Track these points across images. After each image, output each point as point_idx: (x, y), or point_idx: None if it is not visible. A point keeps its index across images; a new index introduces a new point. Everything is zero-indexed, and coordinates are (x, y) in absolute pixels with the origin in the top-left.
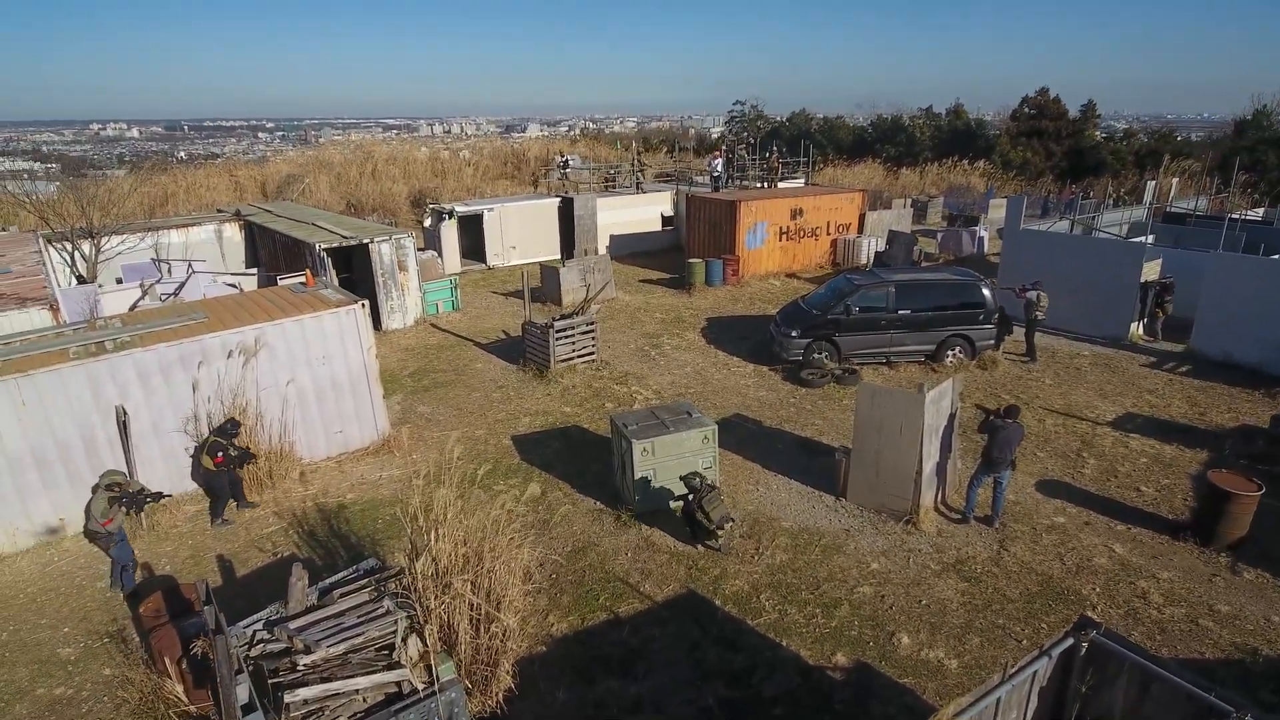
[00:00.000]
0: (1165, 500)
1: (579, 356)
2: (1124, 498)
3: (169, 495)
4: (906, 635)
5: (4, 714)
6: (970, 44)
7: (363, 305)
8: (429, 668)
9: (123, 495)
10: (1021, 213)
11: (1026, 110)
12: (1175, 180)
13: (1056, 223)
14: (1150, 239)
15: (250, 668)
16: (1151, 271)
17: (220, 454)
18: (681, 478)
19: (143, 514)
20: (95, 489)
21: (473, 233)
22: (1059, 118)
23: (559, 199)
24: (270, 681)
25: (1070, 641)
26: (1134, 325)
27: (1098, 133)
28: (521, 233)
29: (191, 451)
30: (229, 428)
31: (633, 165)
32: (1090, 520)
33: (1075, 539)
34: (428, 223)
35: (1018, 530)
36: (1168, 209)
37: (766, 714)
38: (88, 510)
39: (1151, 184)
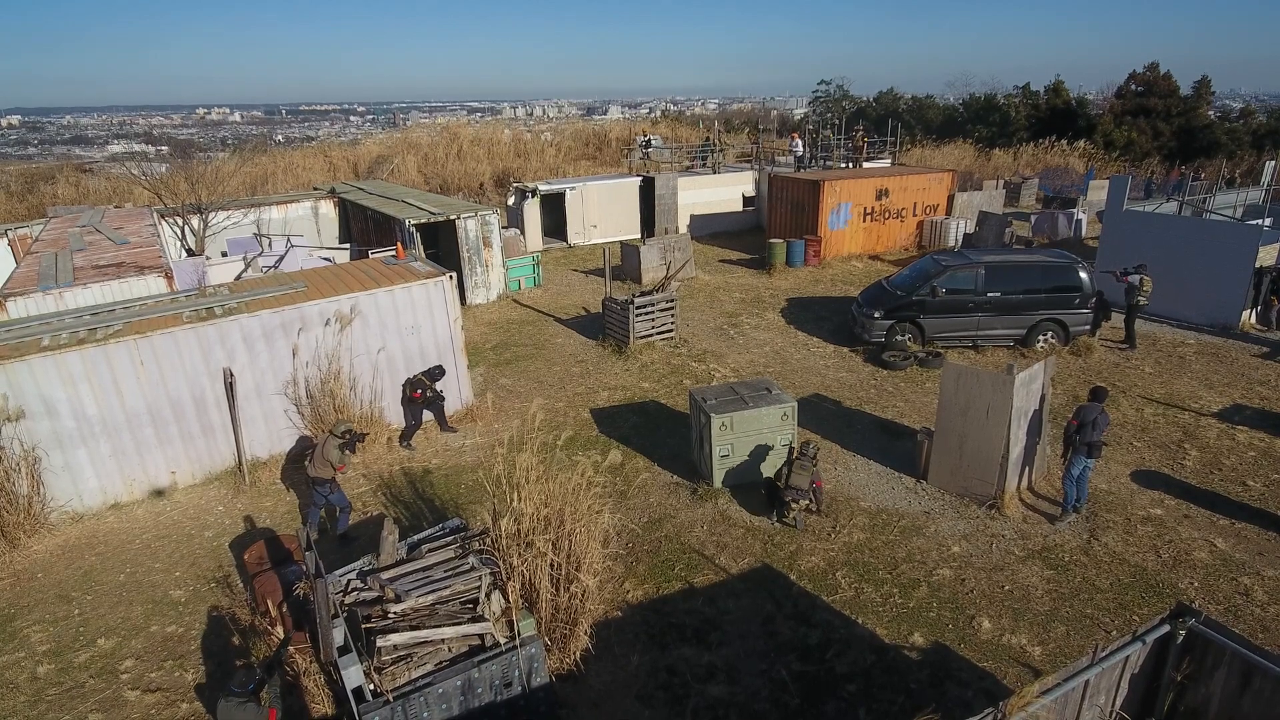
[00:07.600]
0: (1275, 496)
1: (658, 333)
2: (1229, 491)
3: (368, 432)
4: (987, 619)
5: (122, 647)
6: (1073, 18)
7: (450, 277)
8: (510, 623)
9: (348, 440)
10: (1125, 193)
11: (1133, 88)
12: None
13: (1162, 204)
14: (1268, 222)
15: (345, 613)
16: (1269, 256)
17: (419, 390)
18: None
19: (245, 471)
20: (327, 438)
21: (554, 211)
22: (1169, 95)
23: (640, 178)
24: (363, 626)
25: (1166, 628)
26: (1246, 313)
27: (1211, 112)
28: (602, 211)
29: (295, 418)
30: (435, 372)
31: (712, 145)
32: (1190, 513)
33: (1173, 531)
34: (511, 201)
35: (1110, 520)
36: None
37: (840, 689)
38: (319, 458)
39: (1271, 164)
